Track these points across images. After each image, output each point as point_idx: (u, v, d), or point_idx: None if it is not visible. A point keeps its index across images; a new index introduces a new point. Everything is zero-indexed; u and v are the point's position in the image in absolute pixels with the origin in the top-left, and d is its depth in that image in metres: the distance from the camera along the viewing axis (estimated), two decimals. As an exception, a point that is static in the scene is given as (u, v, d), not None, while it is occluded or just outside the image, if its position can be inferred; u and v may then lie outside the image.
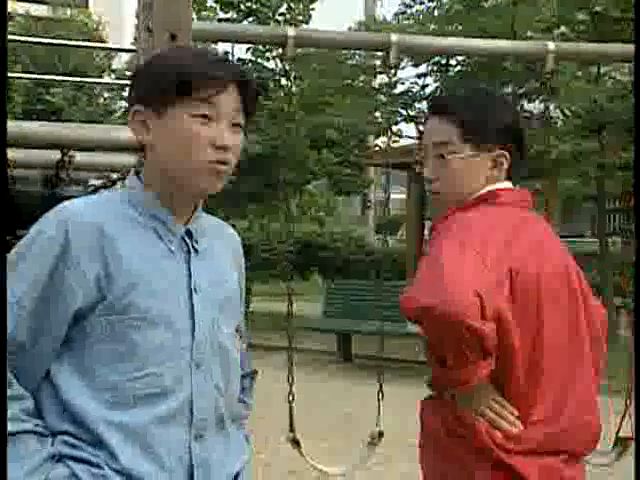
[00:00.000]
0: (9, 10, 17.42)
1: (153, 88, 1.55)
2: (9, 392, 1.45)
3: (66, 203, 1.55)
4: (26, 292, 1.47)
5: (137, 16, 3.22)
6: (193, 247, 1.61)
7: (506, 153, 2.03)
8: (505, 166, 2.04)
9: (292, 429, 3.25)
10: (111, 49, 16.01)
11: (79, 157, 3.41)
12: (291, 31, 3.20)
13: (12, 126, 2.66)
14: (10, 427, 1.43)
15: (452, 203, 2.04)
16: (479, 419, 1.87)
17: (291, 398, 3.24)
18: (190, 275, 1.58)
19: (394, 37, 3.32)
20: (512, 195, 2.04)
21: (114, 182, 3.31)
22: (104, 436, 1.46)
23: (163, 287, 1.53)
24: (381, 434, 3.29)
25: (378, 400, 3.34)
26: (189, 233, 1.61)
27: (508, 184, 2.06)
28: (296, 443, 3.23)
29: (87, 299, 1.48)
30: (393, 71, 3.30)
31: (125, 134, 2.80)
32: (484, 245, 1.83)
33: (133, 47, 3.87)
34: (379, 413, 3.32)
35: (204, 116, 1.54)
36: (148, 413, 1.49)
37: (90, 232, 1.49)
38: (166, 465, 1.51)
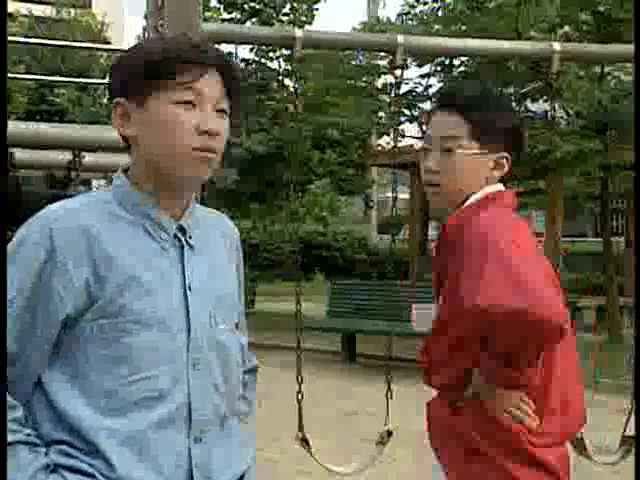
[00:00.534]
0: (12, 10, 17.44)
1: (132, 78, 1.51)
2: None
3: (50, 207, 1.50)
4: (13, 299, 1.43)
5: (146, 17, 3.23)
6: (187, 243, 1.57)
7: (508, 156, 2.06)
8: (505, 169, 2.07)
9: (301, 428, 3.24)
10: (120, 51, 16.03)
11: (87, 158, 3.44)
12: (299, 32, 3.20)
13: (24, 128, 2.69)
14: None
15: (450, 197, 2.06)
16: (509, 419, 1.92)
17: (300, 397, 3.24)
18: (184, 272, 1.54)
19: (400, 38, 3.33)
20: (510, 197, 2.08)
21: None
22: (99, 444, 1.42)
23: (156, 287, 1.48)
24: (390, 433, 3.30)
25: (387, 399, 3.34)
26: (182, 229, 1.56)
27: (502, 186, 2.09)
28: (305, 442, 3.23)
29: (77, 305, 1.44)
30: (399, 72, 3.32)
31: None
32: (532, 243, 1.89)
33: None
34: (387, 412, 3.33)
35: (186, 102, 1.50)
36: (145, 418, 1.45)
37: (76, 235, 1.44)
38: (164, 471, 1.46)
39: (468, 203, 2.02)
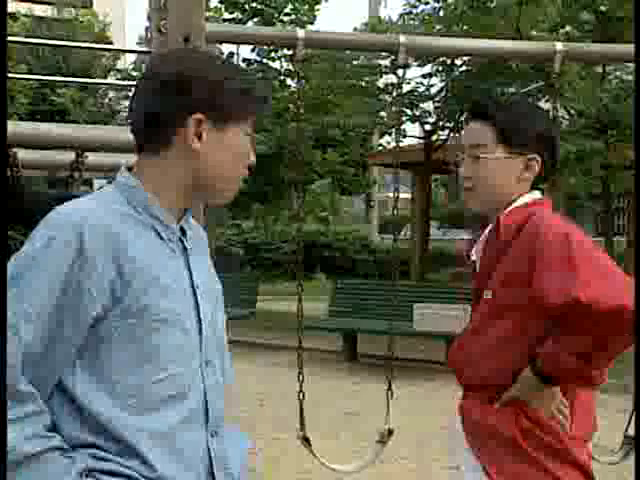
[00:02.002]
0: (13, 10, 17.45)
1: (220, 103, 1.56)
2: (32, 407, 1.39)
3: (67, 207, 1.49)
4: (42, 301, 1.42)
5: (148, 17, 3.24)
6: (188, 244, 1.62)
7: (537, 157, 2.16)
8: (536, 169, 2.17)
9: (302, 427, 3.25)
10: (123, 51, 16.06)
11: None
12: (301, 32, 3.20)
13: (28, 127, 2.69)
14: (35, 446, 1.38)
15: (483, 199, 2.19)
16: (549, 418, 2.01)
17: (301, 396, 3.25)
18: (191, 273, 1.58)
19: (403, 38, 3.32)
20: (550, 204, 2.20)
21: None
22: (135, 444, 1.44)
23: (172, 287, 1.52)
24: (391, 432, 3.31)
25: (387, 398, 3.35)
26: (182, 231, 1.61)
27: (538, 193, 2.20)
28: (307, 441, 3.24)
29: (104, 305, 1.44)
30: (401, 72, 3.34)
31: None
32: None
33: (144, 49, 3.88)
34: (388, 411, 3.34)
35: (249, 135, 1.62)
36: (172, 416, 1.49)
37: (104, 235, 1.45)
38: (192, 468, 1.51)
39: (519, 204, 2.14)
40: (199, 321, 1.56)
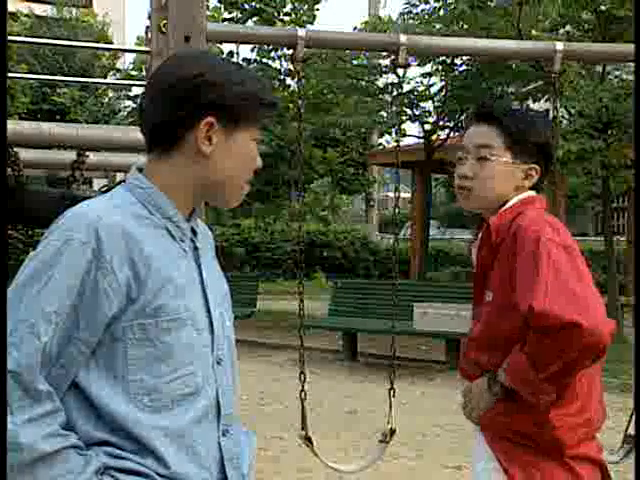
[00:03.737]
0: (14, 10, 17.44)
1: (232, 107, 1.56)
2: (49, 406, 1.41)
3: (86, 206, 1.52)
4: (60, 301, 1.42)
5: (149, 17, 3.24)
6: (199, 245, 1.64)
7: (537, 167, 2.21)
8: (534, 179, 2.22)
9: (304, 427, 3.25)
10: (123, 50, 16.05)
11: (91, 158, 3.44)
12: (301, 32, 3.20)
13: (28, 127, 2.70)
14: (53, 444, 1.39)
15: (481, 201, 2.21)
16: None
17: (303, 396, 3.25)
18: (201, 273, 1.60)
19: (403, 38, 3.33)
20: (543, 201, 2.24)
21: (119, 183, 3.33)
22: (150, 442, 1.46)
23: (185, 287, 1.54)
24: (393, 432, 3.31)
25: (389, 398, 3.35)
26: (194, 232, 1.63)
27: (534, 192, 2.24)
28: (308, 441, 3.24)
29: (120, 305, 1.46)
30: (401, 72, 3.35)
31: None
32: (576, 246, 2.04)
33: (144, 49, 3.87)
34: (390, 411, 3.34)
35: (256, 139, 1.63)
36: (186, 414, 1.51)
37: (119, 234, 1.46)
38: (205, 464, 1.53)
39: (509, 205, 2.18)
40: (210, 320, 1.58)
